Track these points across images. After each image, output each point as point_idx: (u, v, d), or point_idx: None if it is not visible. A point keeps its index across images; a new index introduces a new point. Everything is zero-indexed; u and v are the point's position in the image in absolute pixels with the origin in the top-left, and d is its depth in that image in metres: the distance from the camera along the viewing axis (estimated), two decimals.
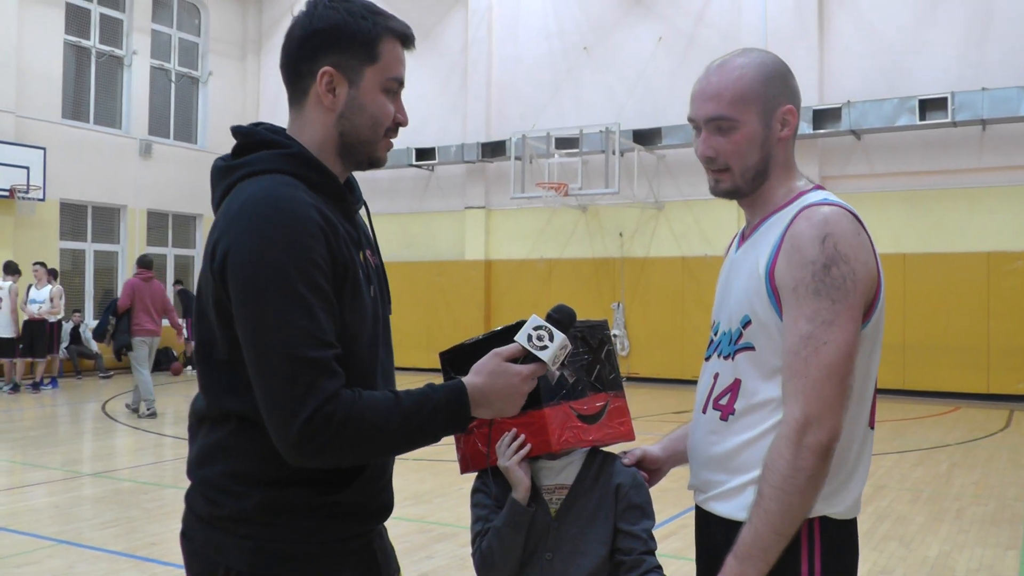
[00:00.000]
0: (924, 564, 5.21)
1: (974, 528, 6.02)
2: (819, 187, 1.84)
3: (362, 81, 1.69)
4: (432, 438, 1.62)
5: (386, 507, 1.79)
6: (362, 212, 1.87)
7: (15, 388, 13.98)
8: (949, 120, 13.11)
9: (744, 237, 1.89)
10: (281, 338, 1.50)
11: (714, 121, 1.79)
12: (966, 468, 8.15)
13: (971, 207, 13.51)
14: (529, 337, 1.67)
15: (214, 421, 1.67)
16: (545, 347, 1.66)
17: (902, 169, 14.05)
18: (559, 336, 1.67)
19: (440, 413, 1.60)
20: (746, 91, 1.77)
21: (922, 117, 13.32)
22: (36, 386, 14.15)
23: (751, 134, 1.79)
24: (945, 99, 13.13)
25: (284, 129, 1.75)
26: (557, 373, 1.70)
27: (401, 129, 1.78)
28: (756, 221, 1.85)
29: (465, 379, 1.64)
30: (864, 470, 1.76)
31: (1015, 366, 12.97)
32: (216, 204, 1.68)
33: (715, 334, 1.87)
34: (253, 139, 1.70)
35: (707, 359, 1.90)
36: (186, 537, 1.74)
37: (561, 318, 1.70)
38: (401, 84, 1.74)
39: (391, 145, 1.77)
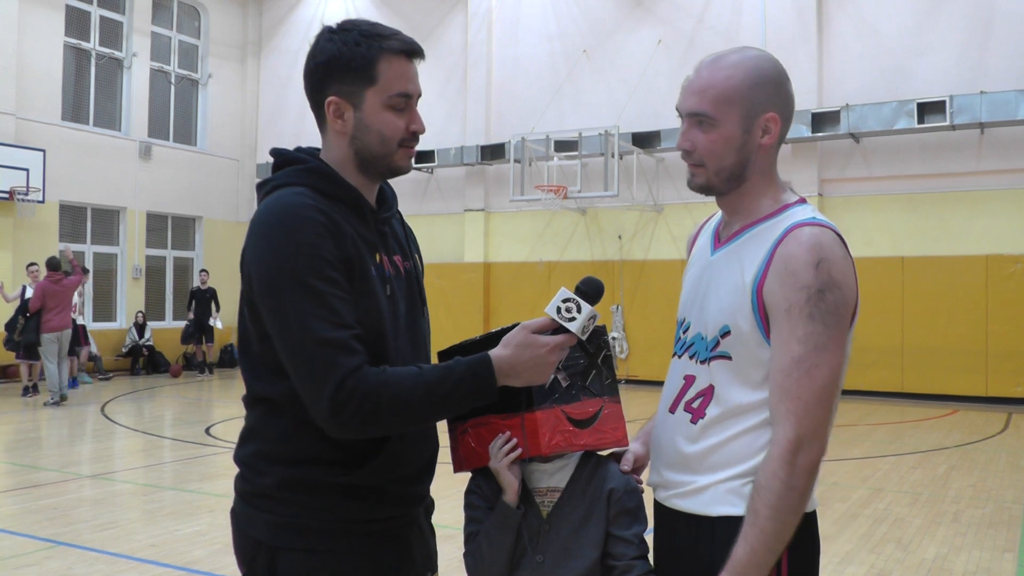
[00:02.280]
0: (922, 566, 5.22)
1: (972, 531, 6.03)
2: (802, 200, 1.85)
3: (364, 104, 1.82)
4: (459, 407, 1.76)
5: (412, 497, 1.90)
6: (396, 220, 2.03)
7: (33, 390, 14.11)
8: (948, 123, 13.13)
9: (720, 239, 1.90)
10: (300, 326, 1.67)
11: (695, 116, 1.81)
12: (964, 471, 8.16)
13: (970, 210, 13.53)
14: (558, 309, 1.75)
15: (251, 406, 1.87)
16: (573, 319, 1.74)
17: (901, 172, 14.06)
18: (587, 307, 1.75)
19: (464, 383, 1.71)
20: (731, 92, 1.77)
21: (921, 120, 13.33)
22: (34, 388, 14.13)
23: (729, 135, 1.79)
24: (944, 102, 13.14)
25: (318, 150, 1.92)
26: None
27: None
28: (736, 227, 1.86)
29: (492, 351, 1.74)
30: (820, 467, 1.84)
31: (1014, 369, 12.98)
32: None
33: (684, 332, 1.90)
34: (284, 158, 1.90)
35: (676, 356, 1.92)
36: (232, 513, 1.91)
37: (589, 290, 1.77)
38: (409, 96, 1.84)
39: (411, 154, 1.90)
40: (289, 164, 1.87)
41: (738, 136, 1.79)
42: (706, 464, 1.78)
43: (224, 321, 18.73)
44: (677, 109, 1.87)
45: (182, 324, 18.86)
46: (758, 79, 1.78)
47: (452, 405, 1.74)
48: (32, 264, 14.38)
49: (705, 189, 1.86)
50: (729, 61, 1.80)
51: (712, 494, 1.76)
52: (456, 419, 1.97)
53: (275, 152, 1.91)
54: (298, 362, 1.68)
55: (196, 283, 18.43)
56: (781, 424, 1.67)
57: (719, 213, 1.97)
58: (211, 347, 17.97)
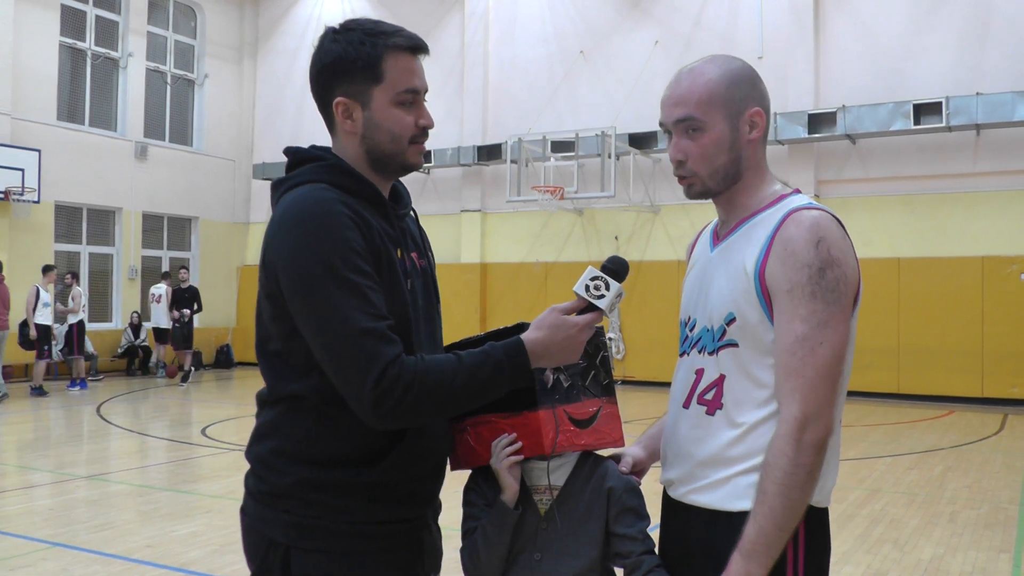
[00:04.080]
0: (918, 567, 5.22)
1: (968, 531, 6.03)
2: (797, 191, 1.89)
3: (373, 102, 1.83)
4: (497, 392, 1.76)
5: (426, 496, 1.90)
6: (410, 218, 2.04)
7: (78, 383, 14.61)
8: (944, 125, 13.14)
9: (719, 237, 1.93)
10: (336, 319, 1.66)
11: (682, 123, 1.84)
12: (960, 472, 8.17)
13: (966, 211, 13.55)
14: (586, 287, 1.77)
15: (269, 405, 1.85)
16: (602, 296, 1.77)
17: (897, 173, 14.08)
18: (615, 285, 1.78)
19: (502, 368, 1.72)
20: (712, 94, 1.82)
21: (917, 121, 13.35)
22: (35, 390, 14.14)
23: (718, 137, 1.83)
24: (940, 103, 13.16)
25: (329, 149, 1.92)
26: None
27: None
28: (733, 223, 1.89)
29: (524, 335, 1.76)
30: (837, 462, 1.86)
31: (1009, 370, 13.00)
32: None
33: (690, 330, 1.92)
34: (300, 156, 1.89)
35: (683, 354, 1.94)
36: (243, 512, 1.89)
37: (616, 268, 1.81)
38: (416, 92, 1.87)
39: (422, 149, 1.91)
40: (306, 162, 1.86)
41: (727, 135, 1.83)
42: (724, 457, 1.79)
43: (223, 321, 18.69)
44: (662, 124, 1.91)
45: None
46: (735, 78, 1.84)
47: (491, 390, 1.74)
48: (50, 267, 14.41)
49: (703, 195, 1.89)
50: (702, 68, 1.86)
51: (731, 488, 1.77)
52: (454, 417, 1.97)
53: (290, 150, 1.91)
54: (337, 355, 1.67)
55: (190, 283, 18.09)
56: (787, 403, 1.69)
57: (716, 219, 2.00)
58: (187, 354, 16.15)
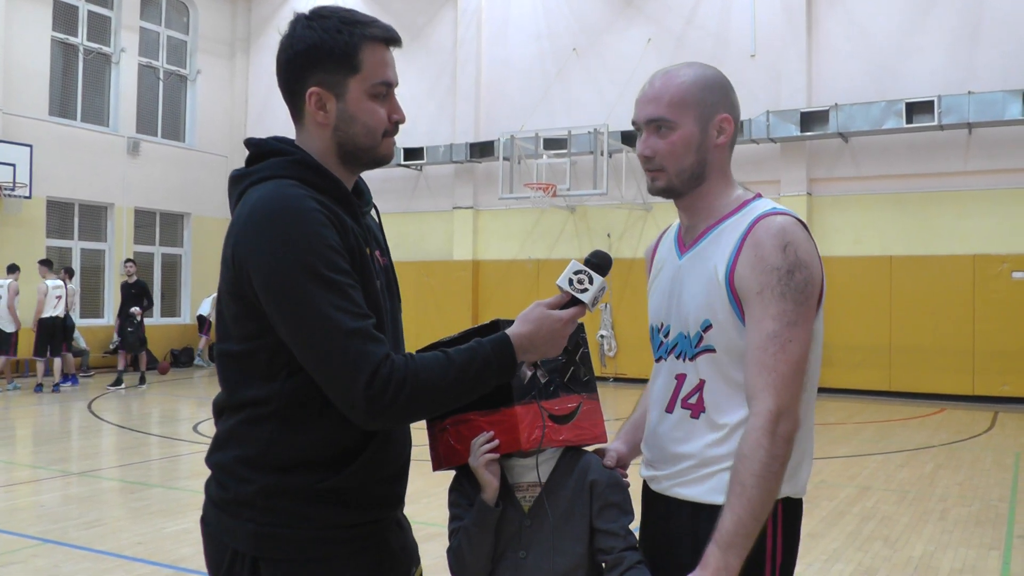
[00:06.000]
0: (908, 564, 5.24)
1: (958, 529, 6.06)
2: (759, 195, 1.95)
3: (348, 93, 1.76)
4: (485, 387, 1.75)
5: (394, 498, 1.87)
6: (371, 215, 1.98)
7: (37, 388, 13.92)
8: (936, 123, 13.18)
9: (685, 244, 1.98)
10: (321, 320, 1.60)
11: (653, 122, 1.91)
12: (951, 469, 8.20)
13: (957, 210, 13.60)
14: (570, 281, 1.79)
15: (230, 410, 1.77)
16: (585, 289, 1.79)
17: (889, 172, 14.12)
18: (598, 279, 1.80)
19: (491, 364, 1.72)
20: (685, 95, 1.89)
21: (909, 120, 13.38)
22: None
23: (687, 136, 1.89)
24: (932, 102, 13.20)
25: (293, 140, 1.84)
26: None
27: None
28: (701, 228, 1.94)
29: (509, 330, 1.77)
30: (811, 454, 1.92)
31: (1000, 368, 13.05)
32: (232, 210, 1.79)
33: (665, 336, 1.97)
34: (263, 149, 1.80)
35: (659, 359, 1.99)
36: (203, 521, 1.83)
37: (599, 262, 1.84)
38: (390, 85, 1.80)
39: (393, 143, 1.85)
40: (269, 155, 1.78)
41: (696, 136, 1.89)
42: (709, 457, 1.84)
43: (214, 318, 18.59)
44: (633, 123, 1.97)
45: (171, 321, 18.75)
46: (708, 83, 1.91)
47: (480, 386, 1.73)
48: (48, 262, 14.40)
49: (666, 192, 1.94)
50: (678, 71, 1.93)
51: (715, 482, 1.82)
52: (434, 417, 1.95)
53: (251, 142, 1.82)
54: (324, 357, 1.61)
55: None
56: (760, 397, 1.75)
57: (675, 223, 2.07)
58: (129, 356, 14.90)
